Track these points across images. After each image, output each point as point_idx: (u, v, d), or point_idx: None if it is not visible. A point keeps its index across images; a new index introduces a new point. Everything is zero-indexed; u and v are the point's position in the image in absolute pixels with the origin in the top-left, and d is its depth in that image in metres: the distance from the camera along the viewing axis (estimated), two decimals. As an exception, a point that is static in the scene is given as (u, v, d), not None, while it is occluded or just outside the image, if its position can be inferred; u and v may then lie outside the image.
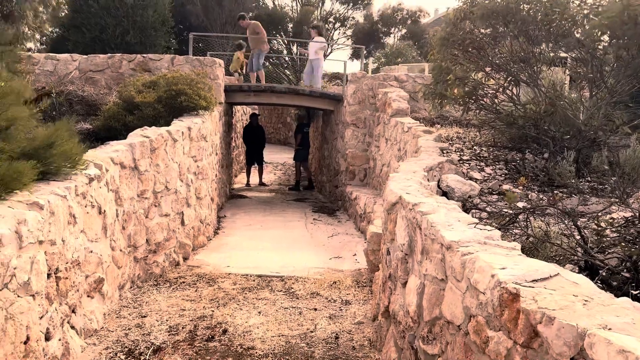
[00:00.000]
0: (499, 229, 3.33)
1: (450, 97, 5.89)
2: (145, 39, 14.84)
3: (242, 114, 15.80)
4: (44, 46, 17.11)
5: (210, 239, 7.67)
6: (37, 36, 15.62)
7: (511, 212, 3.53)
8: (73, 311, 4.12)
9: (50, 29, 15.88)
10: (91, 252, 4.47)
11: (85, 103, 8.81)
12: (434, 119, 9.01)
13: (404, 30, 23.97)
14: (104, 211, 4.74)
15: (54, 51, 12.63)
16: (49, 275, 3.62)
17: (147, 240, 5.84)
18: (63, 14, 15.40)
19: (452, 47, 5.66)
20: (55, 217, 3.66)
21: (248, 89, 10.85)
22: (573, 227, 3.39)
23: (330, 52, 23.75)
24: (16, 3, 13.10)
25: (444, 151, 6.58)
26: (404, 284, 3.66)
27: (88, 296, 4.48)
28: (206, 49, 14.54)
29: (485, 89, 5.88)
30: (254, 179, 13.14)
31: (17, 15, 13.44)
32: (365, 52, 13.50)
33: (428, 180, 4.99)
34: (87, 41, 14.13)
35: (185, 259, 6.64)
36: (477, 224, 3.04)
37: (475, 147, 7.23)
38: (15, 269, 3.13)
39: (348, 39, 23.87)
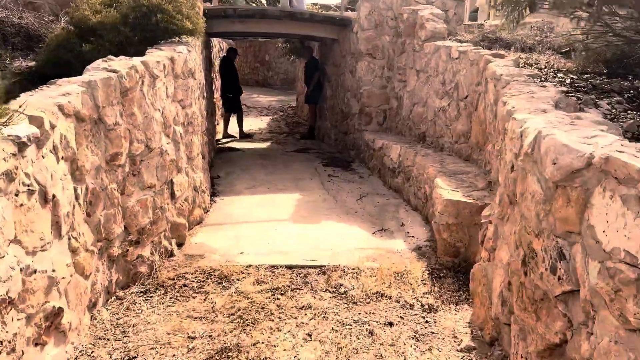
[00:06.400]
0: None
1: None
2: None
3: (218, 50, 13.50)
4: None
5: (208, 211, 5.79)
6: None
7: None
8: (8, 387, 2.28)
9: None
10: (34, 272, 2.57)
11: (25, 35, 6.59)
12: (480, 43, 7.11)
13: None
14: (53, 196, 2.82)
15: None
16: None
17: (125, 227, 3.94)
18: None
19: None
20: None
21: (233, 14, 8.64)
22: None
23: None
24: None
25: (536, 80, 4.78)
26: (644, 329, 1.92)
27: (37, 345, 2.63)
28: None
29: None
30: (232, 127, 10.82)
31: None
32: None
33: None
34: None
35: (180, 245, 4.78)
36: None
37: (560, 75, 5.46)
38: None
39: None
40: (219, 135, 10.56)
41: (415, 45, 7.38)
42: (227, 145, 9.86)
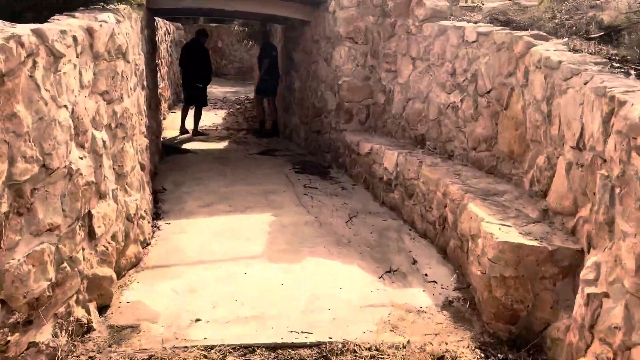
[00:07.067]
0: None
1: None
2: None
3: (165, 32, 11.73)
4: None
5: (148, 244, 4.22)
6: None
7: None
8: None
9: None
10: None
11: None
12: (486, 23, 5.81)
13: None
14: None
15: None
16: None
17: (3, 303, 2.37)
18: None
19: None
20: None
21: (182, -14, 7.01)
22: None
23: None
24: None
25: (602, 67, 3.50)
26: None
27: None
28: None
29: None
30: (190, 122, 9.15)
31: None
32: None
33: None
34: None
35: (104, 308, 3.22)
36: None
37: (616, 65, 4.24)
38: None
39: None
40: (166, 133, 8.87)
41: (411, 26, 6.00)
42: (175, 145, 8.20)
